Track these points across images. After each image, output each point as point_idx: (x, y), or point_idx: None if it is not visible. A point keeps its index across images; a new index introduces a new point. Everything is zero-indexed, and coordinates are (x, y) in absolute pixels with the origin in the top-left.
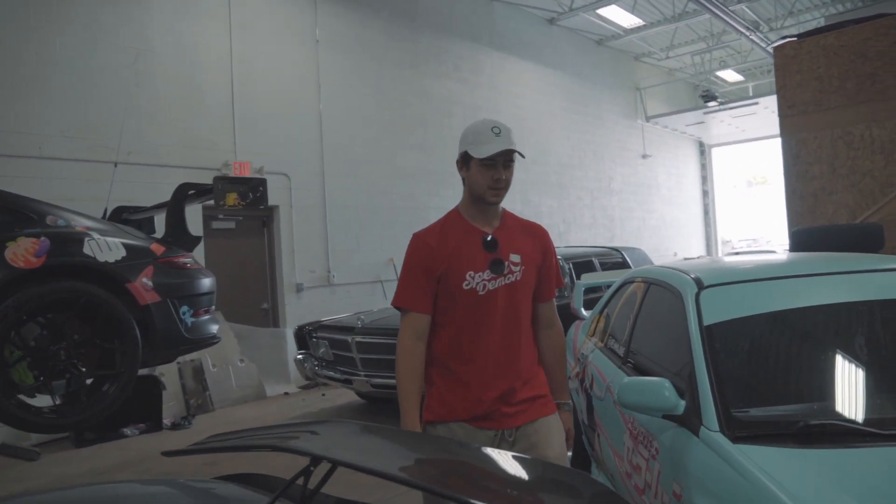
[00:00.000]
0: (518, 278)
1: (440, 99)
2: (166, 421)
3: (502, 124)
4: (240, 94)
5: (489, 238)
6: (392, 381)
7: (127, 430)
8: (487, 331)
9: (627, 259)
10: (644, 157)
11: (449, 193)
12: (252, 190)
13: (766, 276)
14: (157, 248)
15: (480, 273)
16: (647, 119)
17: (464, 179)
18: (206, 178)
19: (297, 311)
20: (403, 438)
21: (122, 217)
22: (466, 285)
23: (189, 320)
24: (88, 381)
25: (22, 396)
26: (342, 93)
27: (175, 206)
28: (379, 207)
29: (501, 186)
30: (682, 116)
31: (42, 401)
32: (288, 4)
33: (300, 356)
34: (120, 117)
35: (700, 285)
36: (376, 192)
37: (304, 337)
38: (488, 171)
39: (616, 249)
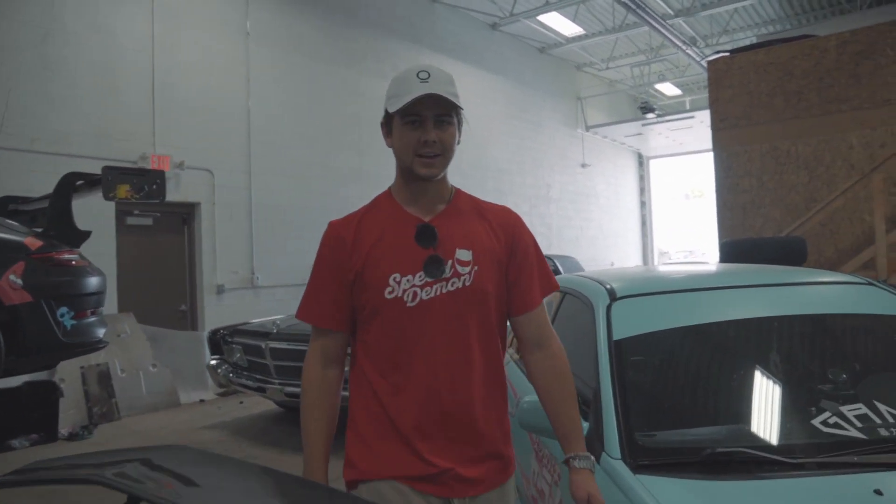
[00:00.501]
0: (468, 283)
1: (377, 99)
2: (63, 431)
3: (435, 68)
4: (161, 84)
5: (424, 227)
6: None
7: (15, 442)
8: (422, 357)
9: (559, 267)
10: (583, 166)
11: None
12: (147, 182)
13: (685, 287)
14: (33, 243)
15: (410, 276)
16: (588, 128)
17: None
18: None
19: (217, 314)
20: (250, 475)
21: (8, 208)
22: (390, 293)
23: (69, 323)
24: None
25: None
26: (273, 89)
27: (59, 197)
28: (310, 208)
29: (434, 152)
30: (622, 127)
31: None
32: None
33: (213, 361)
34: (5, 96)
35: (613, 296)
36: (308, 192)
37: (218, 341)
38: (413, 130)
39: (548, 257)
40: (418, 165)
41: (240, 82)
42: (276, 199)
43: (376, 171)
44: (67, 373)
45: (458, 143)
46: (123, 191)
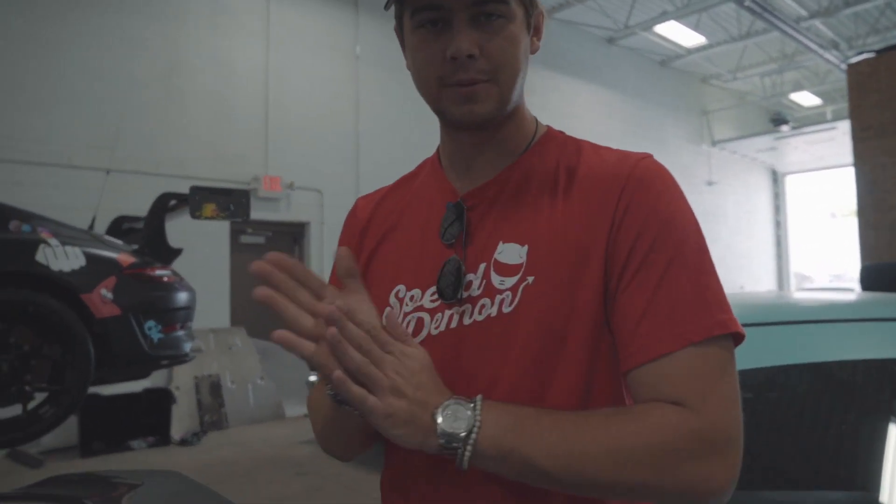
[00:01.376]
0: (506, 309)
1: None
2: (175, 436)
3: None
4: (274, 109)
5: (452, 207)
6: None
7: (134, 443)
8: (423, 468)
9: None
10: (710, 183)
11: None
12: (233, 201)
13: (802, 317)
14: (125, 260)
15: (417, 292)
16: (714, 144)
17: None
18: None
19: None
20: None
21: (122, 227)
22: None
23: (156, 336)
24: (35, 396)
25: None
26: (381, 109)
27: (154, 217)
28: None
29: (470, 76)
30: (752, 141)
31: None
32: (328, 20)
33: (312, 378)
34: (117, 123)
35: None
36: None
37: None
38: (435, 40)
39: None
40: (448, 102)
41: (349, 104)
42: None
43: None
44: (183, 381)
45: (535, 53)
46: (210, 209)
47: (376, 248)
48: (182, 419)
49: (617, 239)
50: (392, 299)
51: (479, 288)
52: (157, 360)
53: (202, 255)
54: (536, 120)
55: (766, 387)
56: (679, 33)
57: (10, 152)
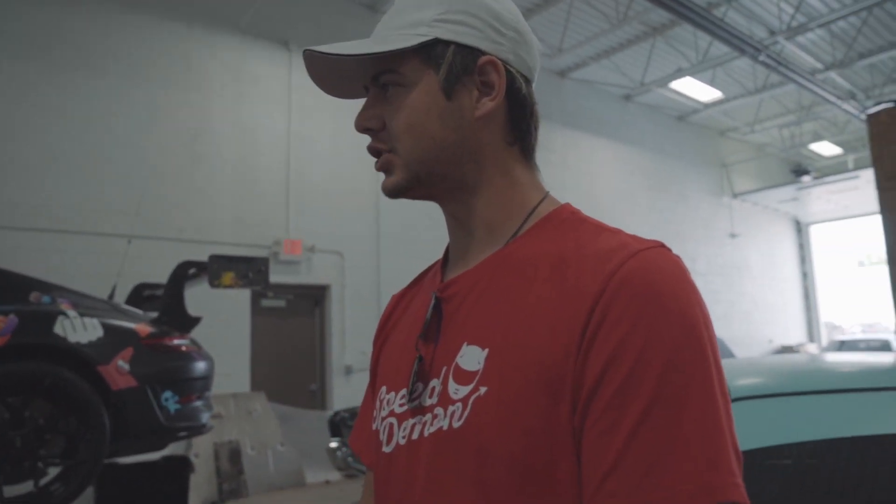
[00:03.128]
0: (456, 423)
1: None
2: None
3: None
4: (295, 173)
5: (433, 303)
6: None
7: None
8: None
9: None
10: (732, 236)
11: None
12: (252, 269)
13: (836, 386)
14: (143, 330)
15: (392, 394)
16: (735, 196)
17: None
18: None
19: (345, 394)
20: None
21: (143, 294)
22: (375, 424)
23: (173, 407)
24: (48, 472)
25: None
26: None
27: (173, 285)
28: None
29: (373, 142)
30: (774, 192)
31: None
32: None
33: (333, 444)
34: (141, 190)
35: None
36: None
37: (338, 424)
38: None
39: None
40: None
41: (369, 167)
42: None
43: None
44: (202, 448)
45: (485, 112)
46: (229, 278)
47: (381, 348)
48: (200, 487)
49: (587, 359)
50: (379, 399)
51: (436, 395)
52: (174, 433)
53: (223, 319)
54: (546, 199)
55: (804, 465)
56: (695, 88)
57: (42, 220)
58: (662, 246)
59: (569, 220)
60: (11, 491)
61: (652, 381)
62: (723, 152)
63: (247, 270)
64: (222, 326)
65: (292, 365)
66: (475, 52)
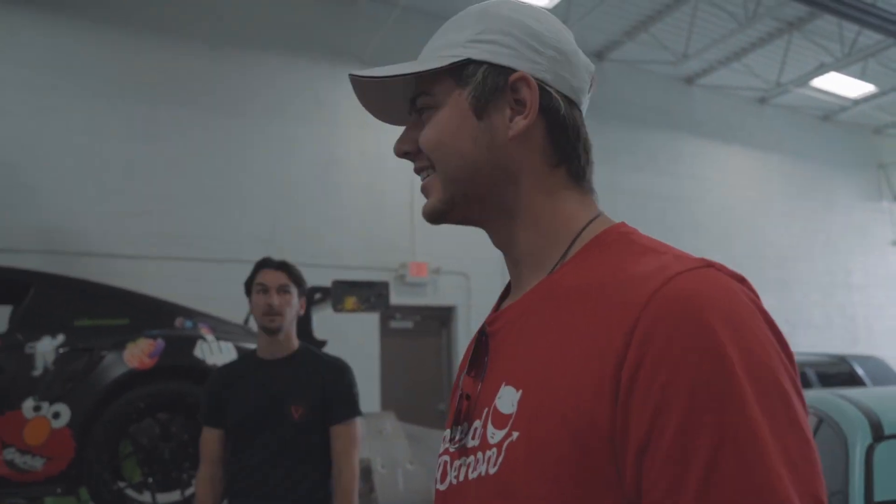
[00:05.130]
0: (492, 470)
1: (638, 192)
2: None
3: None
4: (419, 197)
5: (480, 337)
6: None
7: None
8: None
9: (859, 371)
10: (895, 243)
11: None
12: (374, 293)
13: None
14: None
15: (448, 432)
16: None
17: None
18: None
19: None
20: None
21: None
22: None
23: None
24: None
25: (130, 491)
26: None
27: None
28: None
29: (416, 163)
30: None
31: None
32: None
33: None
34: (273, 220)
35: (878, 432)
36: None
37: None
38: None
39: (843, 358)
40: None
41: None
42: None
43: None
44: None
45: (520, 131)
46: (351, 303)
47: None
48: None
49: (629, 409)
50: (443, 441)
51: (478, 438)
52: None
53: (354, 341)
54: (596, 220)
55: None
56: (841, 84)
57: (193, 251)
58: (710, 265)
59: (617, 241)
60: (163, 499)
61: (710, 430)
62: (879, 152)
63: (368, 294)
64: (353, 348)
65: (421, 385)
66: (508, 71)
